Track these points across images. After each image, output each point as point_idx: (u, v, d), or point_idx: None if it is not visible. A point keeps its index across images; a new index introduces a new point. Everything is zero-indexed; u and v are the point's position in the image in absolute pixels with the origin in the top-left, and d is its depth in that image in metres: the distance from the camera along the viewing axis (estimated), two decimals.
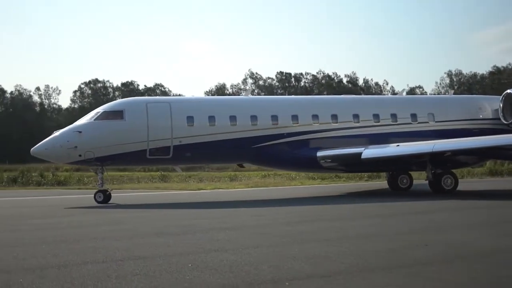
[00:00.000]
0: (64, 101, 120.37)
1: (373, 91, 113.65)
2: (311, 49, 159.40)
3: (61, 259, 9.59)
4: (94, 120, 22.56)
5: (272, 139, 23.82)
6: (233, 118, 23.68)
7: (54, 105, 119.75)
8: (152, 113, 22.74)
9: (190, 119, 23.18)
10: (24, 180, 40.24)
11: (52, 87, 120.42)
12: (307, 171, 29.98)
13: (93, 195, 22.91)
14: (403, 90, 33.18)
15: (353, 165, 24.33)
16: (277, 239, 11.72)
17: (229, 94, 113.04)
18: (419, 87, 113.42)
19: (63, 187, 37.47)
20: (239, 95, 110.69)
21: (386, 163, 24.43)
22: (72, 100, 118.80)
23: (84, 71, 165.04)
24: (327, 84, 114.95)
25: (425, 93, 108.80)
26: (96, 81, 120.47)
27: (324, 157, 23.98)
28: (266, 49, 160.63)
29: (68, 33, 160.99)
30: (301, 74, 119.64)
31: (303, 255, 9.57)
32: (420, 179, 27.45)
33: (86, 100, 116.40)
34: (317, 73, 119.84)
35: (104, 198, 22.43)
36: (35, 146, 22.43)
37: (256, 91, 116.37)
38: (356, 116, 25.32)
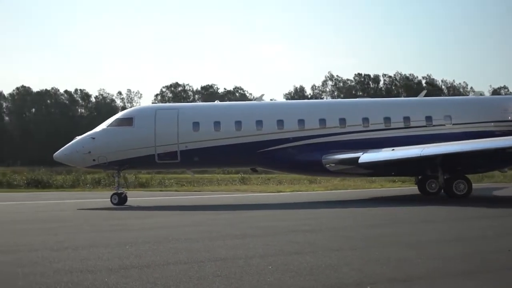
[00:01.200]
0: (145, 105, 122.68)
1: (452, 93, 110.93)
2: (388, 50, 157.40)
3: (144, 260, 9.77)
4: (107, 126, 23.96)
5: (278, 143, 24.01)
6: (238, 124, 24.08)
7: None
8: (160, 120, 23.70)
9: (195, 125, 23.82)
10: (107, 181, 41.46)
11: (133, 91, 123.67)
12: (315, 174, 29.94)
13: (175, 197, 23.32)
14: (423, 92, 31.94)
15: (358, 169, 23.66)
16: (357, 241, 11.59)
17: (310, 97, 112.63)
18: (504, 87, 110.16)
19: (145, 189, 38.30)
20: (320, 97, 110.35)
21: (392, 167, 23.41)
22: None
23: (165, 75, 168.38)
24: (406, 86, 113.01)
25: (510, 93, 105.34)
26: (176, 84, 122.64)
27: (328, 162, 23.81)
28: (345, 50, 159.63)
29: (149, 38, 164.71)
30: (379, 75, 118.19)
31: (384, 259, 9.42)
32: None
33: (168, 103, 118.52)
34: (394, 74, 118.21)
35: (119, 200, 23.62)
36: (57, 152, 23.89)
37: (335, 93, 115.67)
38: (366, 120, 24.75)
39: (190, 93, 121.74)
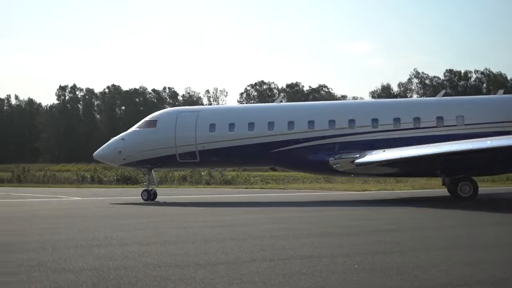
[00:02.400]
0: (231, 103, 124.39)
1: None
2: (478, 47, 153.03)
3: (230, 256, 9.89)
4: (136, 128, 25.87)
5: (288, 144, 24.36)
6: (251, 125, 24.74)
7: None
8: (180, 122, 25.07)
9: (212, 126, 24.83)
10: (193, 179, 42.23)
11: (220, 90, 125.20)
12: (324, 174, 30.43)
13: (248, 195, 23.49)
14: (442, 91, 30.41)
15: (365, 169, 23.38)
16: (442, 242, 11.40)
17: (396, 95, 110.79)
18: None
19: (230, 186, 38.73)
20: (406, 96, 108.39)
21: (394, 167, 23.02)
22: (239, 102, 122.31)
23: (250, 73, 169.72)
24: (498, 82, 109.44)
25: None
26: (261, 83, 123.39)
27: (335, 162, 23.70)
28: (433, 47, 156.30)
29: (236, 37, 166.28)
30: (470, 71, 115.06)
31: (471, 260, 9.22)
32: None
33: (251, 102, 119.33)
34: (484, 70, 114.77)
35: (148, 196, 25.09)
36: (96, 151, 26.12)
37: (421, 91, 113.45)
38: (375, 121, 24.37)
39: (275, 91, 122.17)
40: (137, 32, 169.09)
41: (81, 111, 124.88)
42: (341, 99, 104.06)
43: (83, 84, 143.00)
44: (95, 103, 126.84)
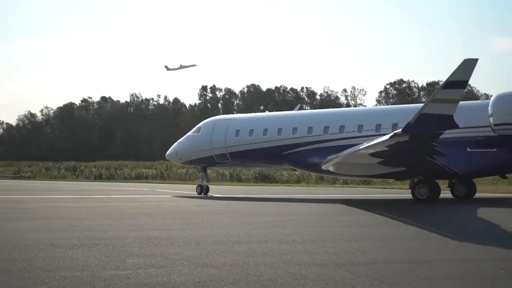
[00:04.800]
0: (369, 102, 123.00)
1: None
2: None
3: (370, 256, 9.77)
4: (189, 133, 30.52)
5: (294, 147, 26.91)
6: (265, 131, 28.04)
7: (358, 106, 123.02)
8: (216, 128, 29.24)
9: (237, 132, 28.62)
10: (330, 179, 42.38)
11: (358, 89, 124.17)
12: (322, 174, 31.97)
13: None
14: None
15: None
16: None
17: None
18: None
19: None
20: None
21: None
22: (377, 101, 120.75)
23: (389, 72, 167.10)
24: None
25: None
26: (401, 81, 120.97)
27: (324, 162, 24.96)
28: None
29: (374, 35, 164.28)
30: None
31: None
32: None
33: (390, 100, 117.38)
34: None
35: (201, 190, 29.24)
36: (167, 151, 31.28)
37: None
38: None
39: (414, 89, 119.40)
40: (275, 33, 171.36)
41: (221, 110, 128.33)
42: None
43: (222, 84, 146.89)
44: (235, 102, 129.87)
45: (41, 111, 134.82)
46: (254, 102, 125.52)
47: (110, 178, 55.92)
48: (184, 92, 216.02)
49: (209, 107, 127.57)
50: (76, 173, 61.56)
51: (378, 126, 25.16)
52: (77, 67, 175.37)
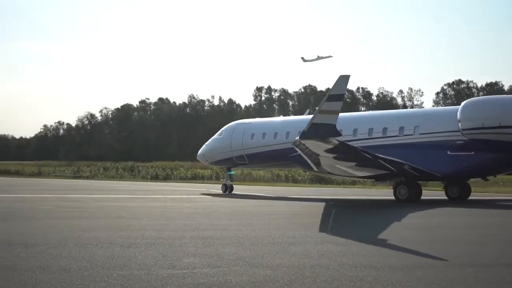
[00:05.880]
0: (427, 103, 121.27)
1: None
2: None
3: (427, 260, 9.66)
4: (215, 136, 32.79)
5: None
6: (275, 134, 29.99)
7: (415, 107, 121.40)
8: (235, 132, 31.52)
9: (252, 135, 30.77)
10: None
11: (414, 89, 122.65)
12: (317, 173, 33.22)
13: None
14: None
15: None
16: None
17: None
18: None
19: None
20: None
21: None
22: (435, 102, 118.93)
23: (447, 72, 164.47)
24: None
25: None
26: (459, 82, 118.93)
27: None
28: None
29: (430, 35, 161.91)
30: None
31: None
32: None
33: (448, 101, 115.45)
34: None
35: (225, 189, 32.10)
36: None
37: None
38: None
39: (474, 90, 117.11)
40: (331, 33, 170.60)
41: (276, 112, 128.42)
42: None
43: (277, 85, 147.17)
44: (290, 103, 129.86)
45: (100, 111, 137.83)
46: (310, 103, 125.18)
47: (166, 178, 56.57)
48: (238, 93, 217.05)
49: (265, 107, 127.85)
50: (134, 173, 62.45)
51: (371, 130, 26.89)
52: (136, 68, 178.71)
